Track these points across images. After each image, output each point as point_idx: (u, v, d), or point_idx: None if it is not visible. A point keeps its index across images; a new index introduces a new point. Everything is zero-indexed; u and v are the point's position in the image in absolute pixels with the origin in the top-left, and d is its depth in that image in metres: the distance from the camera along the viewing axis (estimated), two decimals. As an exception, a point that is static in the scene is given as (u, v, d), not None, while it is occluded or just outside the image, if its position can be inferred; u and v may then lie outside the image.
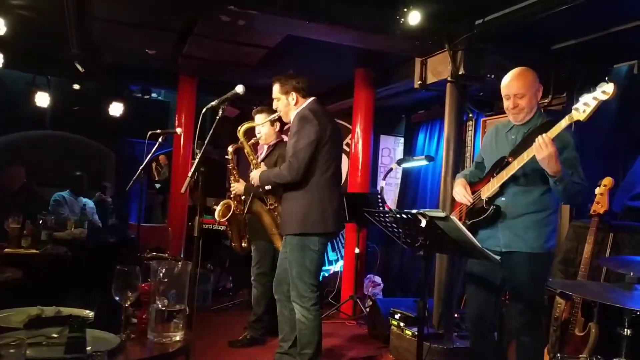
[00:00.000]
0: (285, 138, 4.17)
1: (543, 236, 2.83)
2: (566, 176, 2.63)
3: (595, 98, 2.48)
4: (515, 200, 2.85)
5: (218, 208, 4.22)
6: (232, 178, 4.13)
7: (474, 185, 3.06)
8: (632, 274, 2.41)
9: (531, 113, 2.90)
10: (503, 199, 2.87)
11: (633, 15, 3.70)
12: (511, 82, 2.89)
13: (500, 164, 2.89)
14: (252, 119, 4.28)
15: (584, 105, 2.52)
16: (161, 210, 9.77)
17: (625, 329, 2.46)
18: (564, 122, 2.59)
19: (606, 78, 2.51)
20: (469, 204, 2.99)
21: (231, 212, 4.12)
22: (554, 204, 2.86)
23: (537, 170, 2.70)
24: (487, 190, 2.91)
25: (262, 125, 4.18)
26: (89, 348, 1.61)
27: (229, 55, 5.54)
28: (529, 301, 2.83)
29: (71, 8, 4.34)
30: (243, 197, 4.05)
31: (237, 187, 4.06)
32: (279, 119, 3.84)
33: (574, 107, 2.57)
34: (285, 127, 4.21)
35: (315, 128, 3.38)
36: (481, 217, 2.90)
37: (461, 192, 3.03)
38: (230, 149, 4.05)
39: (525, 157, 2.68)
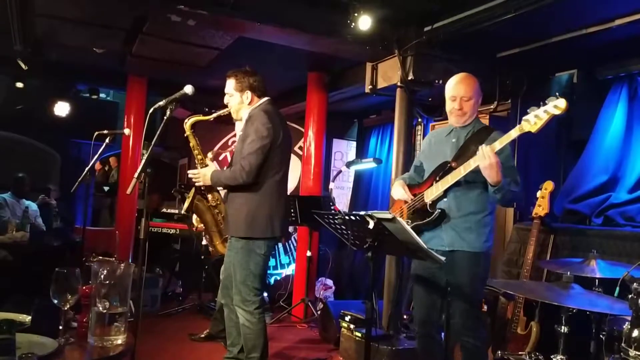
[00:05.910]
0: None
1: (482, 236, 2.93)
2: (505, 185, 2.74)
3: (546, 112, 2.57)
4: (457, 201, 2.94)
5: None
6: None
7: (415, 188, 3.13)
8: (569, 273, 2.51)
9: (472, 117, 3.02)
10: (445, 199, 2.96)
11: (572, 26, 3.86)
12: (459, 85, 2.99)
13: (443, 169, 2.96)
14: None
15: (535, 118, 2.59)
16: (109, 213, 9.54)
17: (563, 327, 2.57)
18: (514, 133, 2.67)
19: (557, 93, 2.57)
20: (409, 200, 3.07)
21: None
22: (490, 206, 2.97)
23: (475, 173, 2.79)
24: (431, 194, 2.98)
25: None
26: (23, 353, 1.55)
27: (180, 56, 5.46)
28: (470, 301, 2.91)
29: (14, 2, 4.17)
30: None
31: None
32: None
33: (524, 118, 2.64)
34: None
35: (269, 130, 3.30)
36: (426, 220, 2.98)
37: (400, 191, 3.12)
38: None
39: (472, 163, 2.76)
